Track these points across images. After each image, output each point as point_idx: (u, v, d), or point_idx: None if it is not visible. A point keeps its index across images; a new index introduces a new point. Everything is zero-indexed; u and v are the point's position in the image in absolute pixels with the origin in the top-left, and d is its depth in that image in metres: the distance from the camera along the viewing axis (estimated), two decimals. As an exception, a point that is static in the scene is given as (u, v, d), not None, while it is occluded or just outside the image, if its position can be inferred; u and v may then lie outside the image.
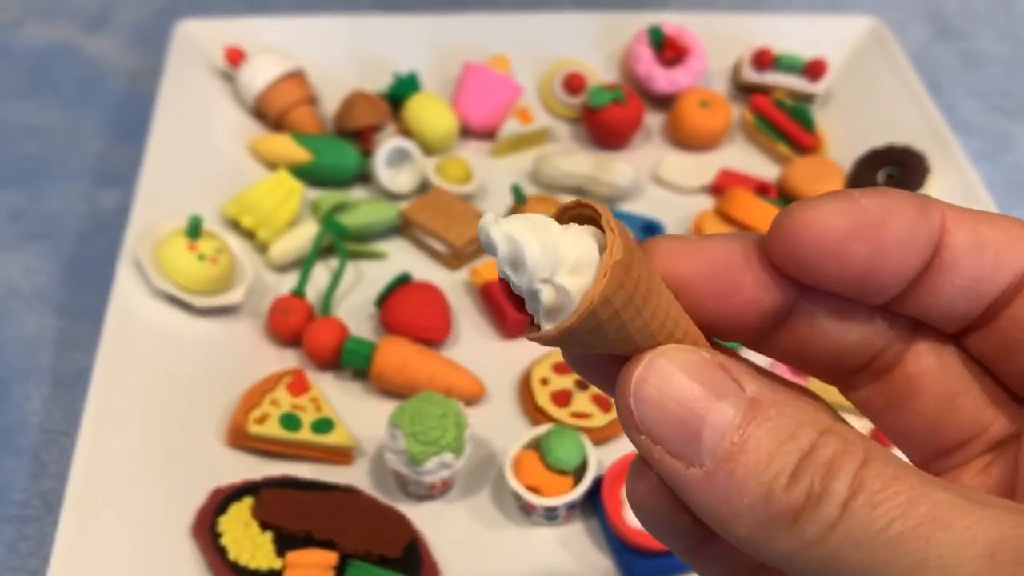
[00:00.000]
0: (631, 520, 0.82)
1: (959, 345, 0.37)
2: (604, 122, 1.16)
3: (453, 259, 1.05)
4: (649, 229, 1.09)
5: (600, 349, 0.33)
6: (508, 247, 0.32)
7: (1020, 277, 0.34)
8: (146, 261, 0.91)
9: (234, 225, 1.03)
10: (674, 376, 0.32)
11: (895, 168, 1.11)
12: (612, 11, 1.28)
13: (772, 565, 0.31)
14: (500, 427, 0.91)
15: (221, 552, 0.77)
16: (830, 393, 0.41)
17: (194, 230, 0.92)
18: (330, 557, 0.77)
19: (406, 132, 1.15)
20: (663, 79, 1.20)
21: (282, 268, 1.03)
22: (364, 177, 1.13)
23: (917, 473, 0.30)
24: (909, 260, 0.34)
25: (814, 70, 1.22)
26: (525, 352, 0.98)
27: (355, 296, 1.02)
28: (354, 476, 0.87)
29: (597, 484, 0.84)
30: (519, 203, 1.02)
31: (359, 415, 0.91)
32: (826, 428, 0.31)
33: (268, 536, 0.78)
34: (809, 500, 0.30)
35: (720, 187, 1.14)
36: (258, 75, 1.13)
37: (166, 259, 0.92)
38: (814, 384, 0.90)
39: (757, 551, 0.31)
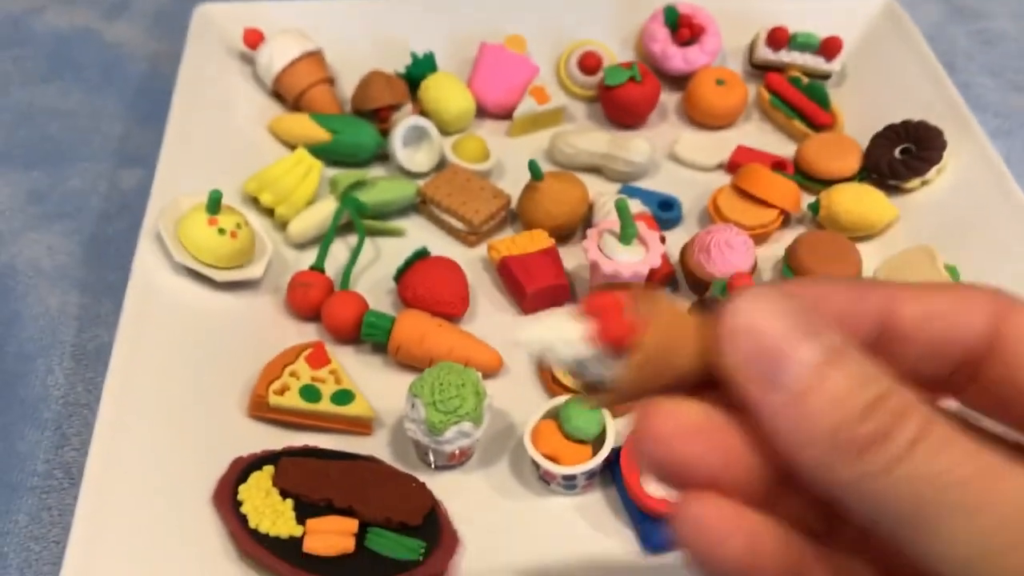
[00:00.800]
0: (650, 489, 0.82)
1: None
2: (620, 101, 1.16)
3: (470, 236, 1.05)
4: (666, 205, 1.09)
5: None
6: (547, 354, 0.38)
7: (978, 339, 0.37)
8: (167, 235, 0.92)
9: (254, 202, 1.04)
10: (766, 312, 0.35)
11: (912, 143, 1.11)
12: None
13: (830, 494, 0.34)
14: (519, 399, 0.92)
15: (242, 520, 0.78)
16: None
17: (214, 205, 0.93)
18: (350, 524, 0.78)
19: (423, 112, 1.16)
20: (678, 58, 1.20)
21: (301, 245, 1.04)
22: (382, 156, 1.14)
23: (972, 437, 0.32)
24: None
25: (829, 48, 1.22)
26: (543, 326, 0.98)
27: (373, 272, 1.03)
28: (374, 447, 0.88)
29: (616, 453, 0.84)
30: (536, 178, 1.03)
31: (378, 387, 0.91)
32: (897, 385, 0.34)
33: (288, 504, 0.79)
34: (877, 436, 0.32)
35: (737, 164, 1.14)
36: (276, 56, 1.13)
37: (186, 233, 0.93)
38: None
39: (821, 477, 0.33)
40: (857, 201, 1.06)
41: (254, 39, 1.16)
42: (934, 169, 1.09)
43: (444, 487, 0.85)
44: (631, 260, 0.95)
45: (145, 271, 0.92)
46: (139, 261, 0.93)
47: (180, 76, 1.11)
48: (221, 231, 0.93)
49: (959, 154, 1.11)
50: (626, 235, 0.95)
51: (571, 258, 1.04)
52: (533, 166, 1.03)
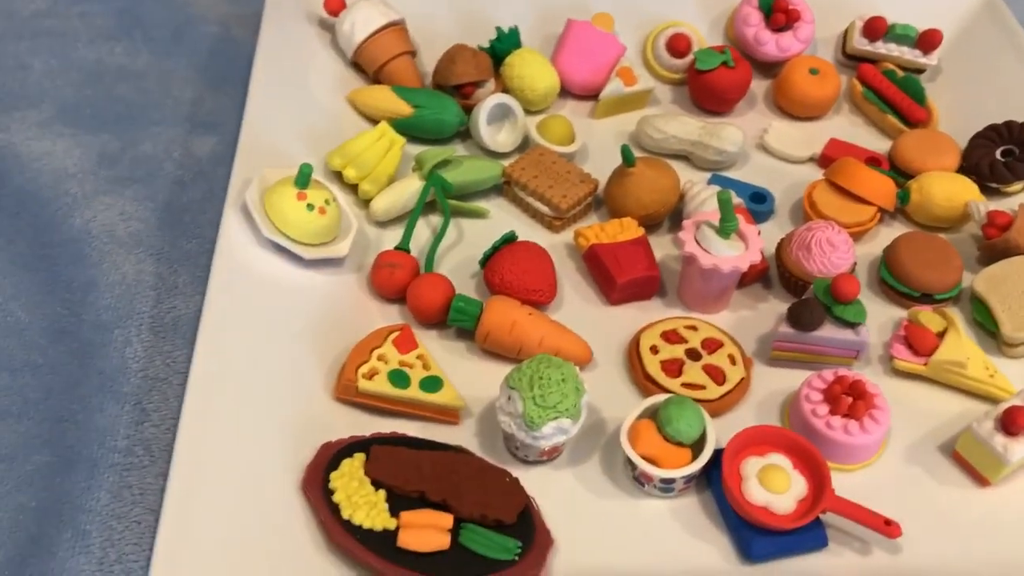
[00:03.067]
0: (753, 495, 0.79)
1: None
2: (711, 86, 1.12)
3: (556, 221, 1.02)
4: (758, 197, 1.05)
5: None
6: None
7: None
8: (255, 210, 0.89)
9: (336, 177, 1.01)
10: None
11: (1015, 145, 1.07)
12: (719, -28, 1.24)
13: None
14: (608, 394, 0.89)
15: (334, 509, 0.75)
16: None
17: (304, 179, 0.90)
18: (446, 519, 0.75)
19: (506, 89, 1.12)
20: (772, 44, 1.16)
21: (383, 223, 1.00)
22: (461, 133, 1.10)
23: None
24: None
25: (927, 41, 1.17)
26: (631, 319, 0.95)
27: (455, 254, 1.00)
28: (461, 436, 0.85)
29: (715, 457, 0.81)
30: (628, 164, 0.99)
31: (464, 374, 0.88)
32: None
33: (381, 495, 0.76)
34: None
35: (829, 158, 1.10)
36: (359, 25, 1.10)
37: (275, 208, 0.89)
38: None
39: None
40: (952, 191, 1.02)
41: (335, 5, 1.12)
42: (1038, 173, 1.05)
43: (534, 483, 0.82)
44: (730, 255, 0.91)
45: (231, 246, 0.89)
46: (224, 235, 0.90)
47: (260, 43, 1.08)
48: (310, 207, 0.90)
49: (1063, 158, 1.07)
50: (726, 229, 0.91)
51: (657, 248, 1.00)
52: (626, 151, 0.99)
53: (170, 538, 0.71)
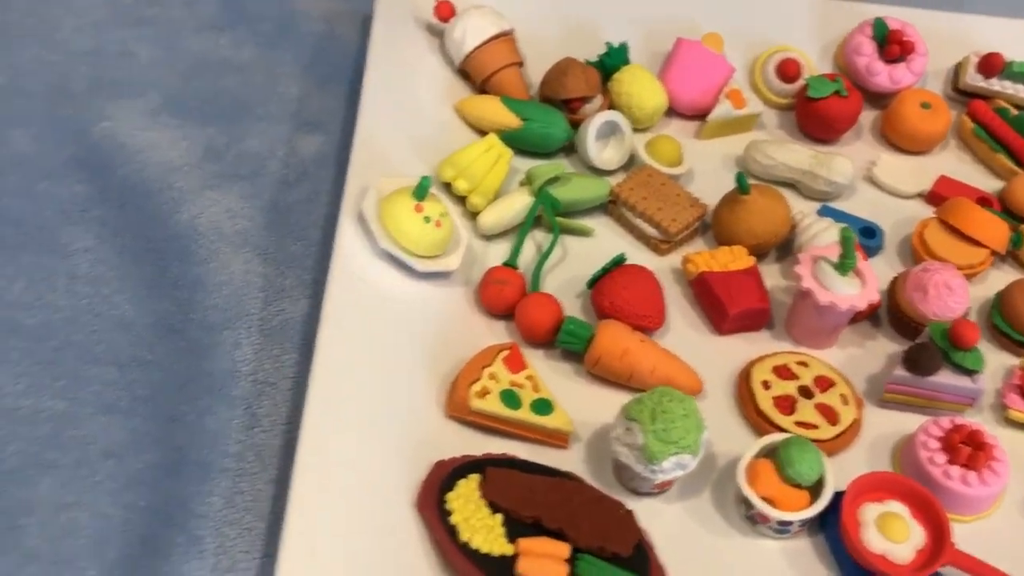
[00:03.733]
0: (872, 543, 0.78)
1: None
2: (821, 114, 1.10)
3: (663, 244, 1.00)
4: (868, 232, 1.03)
5: None
6: None
7: None
8: (372, 220, 0.89)
9: (445, 188, 1.00)
10: None
11: None
12: (833, -2, 1.23)
13: None
14: (717, 426, 0.87)
15: (451, 531, 0.75)
16: None
17: (423, 192, 0.89)
18: (563, 548, 0.74)
19: (613, 106, 1.10)
20: (884, 75, 1.14)
21: (489, 236, 0.99)
22: (565, 148, 1.09)
23: None
24: None
25: (1043, 80, 1.15)
26: (738, 350, 0.94)
27: (560, 272, 0.98)
28: (569, 462, 0.84)
29: (834, 501, 0.80)
30: (743, 191, 0.98)
31: (571, 398, 0.87)
32: None
33: (498, 519, 0.76)
34: None
35: (940, 196, 1.08)
36: (470, 33, 1.08)
37: (392, 219, 0.89)
38: None
39: None
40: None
41: (446, 12, 1.11)
42: None
43: (644, 515, 0.81)
44: (848, 292, 0.90)
45: (346, 255, 0.89)
46: (340, 243, 0.89)
47: (371, 48, 1.07)
48: (427, 219, 0.89)
49: None
50: (845, 265, 0.90)
51: (767, 278, 0.99)
52: (741, 179, 0.98)
53: (292, 552, 0.70)
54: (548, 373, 0.90)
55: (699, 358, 0.92)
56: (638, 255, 1.01)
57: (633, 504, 0.81)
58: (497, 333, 0.92)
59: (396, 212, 0.89)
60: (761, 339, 0.96)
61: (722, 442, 0.86)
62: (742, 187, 0.98)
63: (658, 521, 0.81)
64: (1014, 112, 1.14)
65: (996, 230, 1.01)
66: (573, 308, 0.95)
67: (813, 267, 0.91)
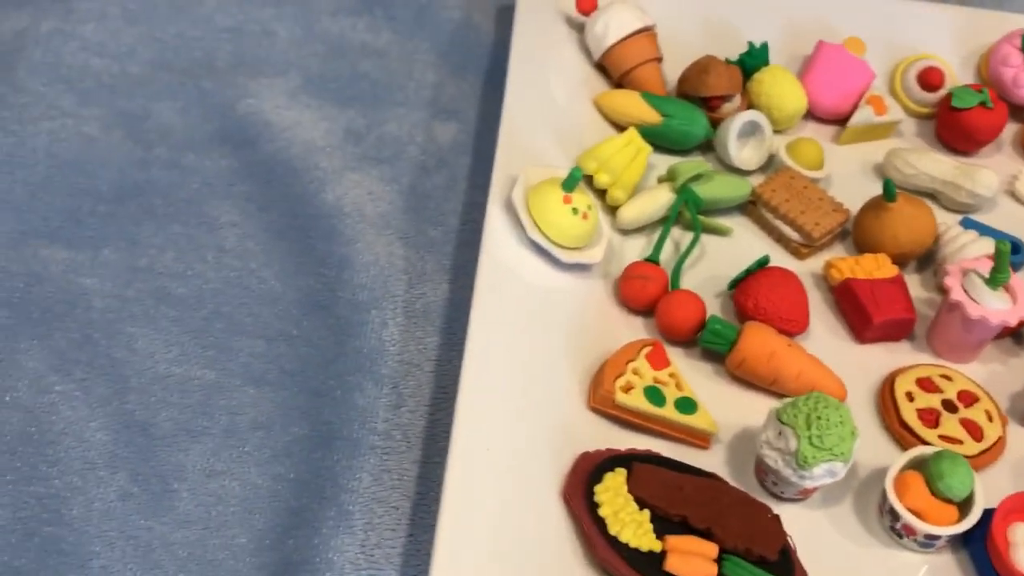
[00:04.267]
0: (1020, 563, 0.76)
1: None
2: (965, 125, 1.08)
3: (803, 248, 0.99)
4: (1013, 248, 1.01)
5: None
6: None
7: None
8: (521, 209, 0.89)
9: (586, 180, 1.00)
10: None
11: None
12: (979, 7, 1.20)
13: None
14: (860, 437, 0.86)
15: (600, 524, 0.75)
16: None
17: (573, 183, 0.89)
18: (712, 548, 0.74)
19: (752, 105, 1.09)
20: (1031, 87, 1.12)
21: (627, 231, 0.99)
22: (702, 146, 1.08)
23: None
24: None
25: None
26: (880, 359, 0.93)
27: (698, 271, 0.98)
28: (711, 462, 0.84)
29: (984, 518, 0.79)
30: (890, 199, 0.96)
31: (712, 398, 0.87)
32: None
33: (646, 515, 0.76)
34: None
35: (1086, 213, 1.05)
36: (612, 27, 1.08)
37: (540, 210, 0.89)
38: None
39: None
40: None
41: (588, 5, 1.11)
42: None
43: (786, 520, 0.80)
44: (998, 307, 0.88)
45: (495, 243, 0.90)
46: (488, 232, 0.90)
47: (515, 38, 1.08)
48: (574, 211, 0.89)
49: None
50: (997, 280, 0.88)
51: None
52: (888, 185, 0.96)
53: (448, 536, 0.71)
54: (689, 372, 0.90)
55: (839, 365, 0.91)
56: (777, 258, 1.00)
57: (776, 508, 0.81)
58: (635, 328, 0.92)
59: (545, 202, 0.89)
60: (902, 350, 0.95)
61: (863, 451, 0.85)
62: (889, 194, 0.97)
63: (799, 527, 0.80)
64: None
65: None
66: (712, 308, 0.95)
67: (963, 279, 0.90)
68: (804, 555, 0.79)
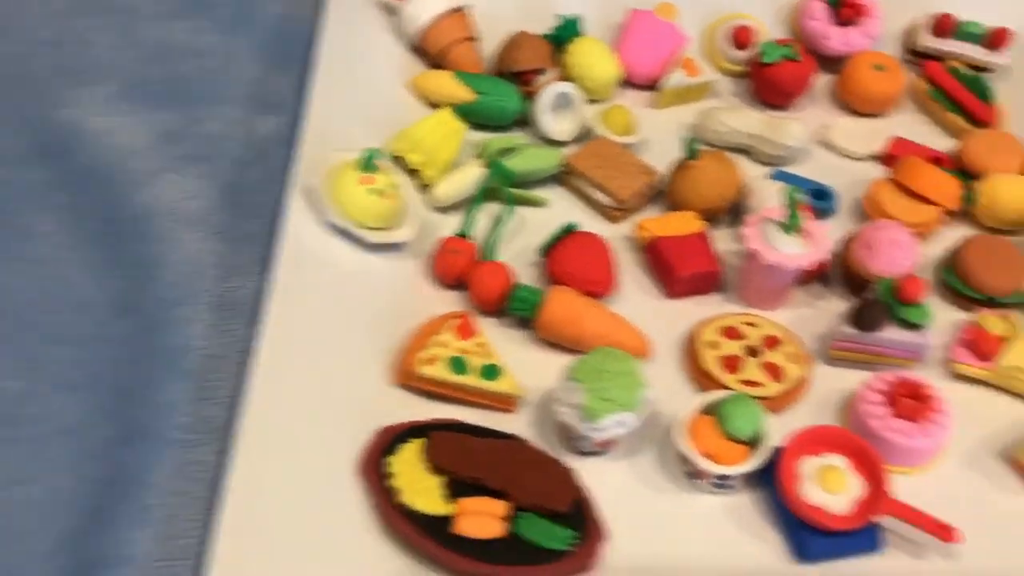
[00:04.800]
0: (808, 496, 0.79)
1: None
2: (775, 79, 1.11)
3: (615, 212, 1.01)
4: (820, 194, 1.04)
5: None
6: None
7: None
8: (321, 193, 0.90)
9: (397, 162, 1.01)
10: None
11: (1086, 148, 1.05)
12: (786, -36, 1.22)
13: None
14: (664, 388, 0.88)
15: (389, 493, 0.76)
16: None
17: (368, 163, 0.90)
18: (501, 507, 0.76)
19: (566, 77, 1.11)
20: (837, 38, 1.15)
21: (443, 208, 1.00)
22: (521, 121, 1.10)
23: None
24: None
25: (996, 39, 1.15)
26: (689, 313, 0.95)
27: (514, 242, 0.99)
28: (516, 425, 0.85)
29: (773, 456, 0.81)
30: (692, 157, 0.99)
31: (522, 363, 0.89)
32: None
33: (438, 480, 0.77)
34: None
35: (893, 157, 1.08)
36: (424, 9, 1.10)
37: (340, 192, 0.90)
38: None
39: None
40: (1017, 191, 1.01)
41: (401, -11, 1.12)
42: (1109, 178, 1.03)
43: (588, 474, 0.82)
44: (794, 252, 0.90)
45: (296, 228, 0.91)
46: (290, 218, 0.91)
47: (325, 25, 1.09)
48: (376, 191, 0.90)
49: None
50: (791, 226, 0.90)
51: (717, 243, 0.99)
52: (690, 144, 0.99)
53: (233, 517, 0.73)
54: (501, 340, 0.91)
55: (651, 322, 0.94)
56: (593, 224, 1.02)
57: (578, 464, 0.83)
58: (451, 303, 0.93)
59: (343, 185, 0.90)
60: (713, 303, 0.97)
61: (669, 403, 0.87)
62: (690, 153, 0.99)
63: (602, 479, 0.82)
64: (968, 72, 1.14)
65: (947, 188, 1.01)
66: (527, 276, 0.96)
67: (760, 228, 0.92)
68: (605, 505, 0.81)
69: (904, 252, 0.93)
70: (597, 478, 0.82)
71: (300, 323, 0.85)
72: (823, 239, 0.91)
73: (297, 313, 0.86)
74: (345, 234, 0.92)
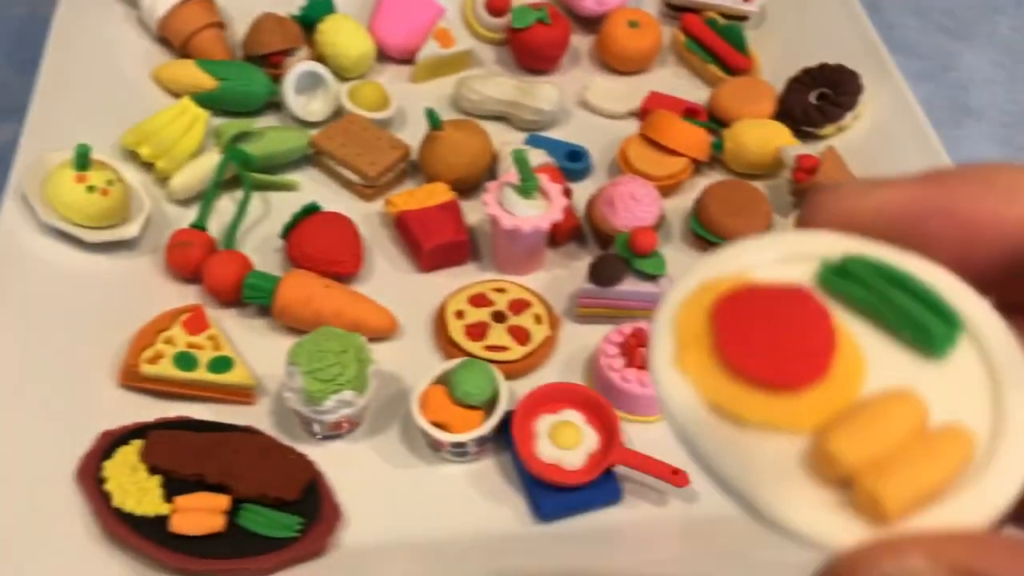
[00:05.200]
0: (543, 454, 0.79)
1: None
2: (529, 44, 1.11)
3: (367, 189, 1.00)
4: (574, 155, 1.04)
5: None
6: None
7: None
8: (32, 194, 0.86)
9: (133, 157, 0.98)
10: None
11: (827, 87, 1.07)
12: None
13: None
14: (413, 362, 0.87)
15: (105, 498, 0.73)
16: None
17: (82, 160, 0.87)
18: (221, 500, 0.74)
19: (319, 57, 1.09)
20: (591, -2, 1.15)
21: (185, 201, 0.97)
22: (275, 105, 1.07)
23: None
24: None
25: (748, -12, 1.17)
26: (442, 285, 0.94)
27: (263, 229, 0.97)
28: (256, 416, 0.83)
29: (508, 418, 0.80)
30: (435, 128, 0.97)
31: (263, 353, 0.86)
32: None
33: (156, 480, 0.74)
34: None
35: (648, 111, 1.09)
36: (160, -2, 1.06)
37: (53, 192, 0.86)
38: None
39: None
40: (764, 138, 1.02)
41: (136, -21, 1.08)
42: (850, 115, 1.05)
43: (330, 458, 0.80)
44: (532, 215, 0.90)
45: (10, 232, 0.86)
46: (3, 221, 0.86)
47: (55, 21, 1.04)
48: (91, 188, 0.87)
49: (877, 98, 1.07)
50: (526, 188, 0.90)
51: (477, 212, 0.99)
52: (431, 115, 0.98)
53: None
54: (242, 331, 0.89)
55: (403, 297, 0.92)
56: (347, 203, 1.00)
57: (320, 448, 0.81)
58: (190, 298, 0.90)
59: (58, 184, 0.87)
60: (468, 273, 0.96)
61: (417, 377, 0.85)
62: (433, 123, 0.98)
63: (344, 462, 0.81)
64: (723, 22, 1.16)
65: (693, 138, 1.02)
66: (273, 263, 0.94)
67: (499, 193, 0.91)
68: (347, 488, 0.79)
69: (643, 206, 0.93)
70: (340, 461, 0.81)
71: (19, 331, 0.82)
72: (559, 199, 0.91)
73: (14, 321, 0.82)
74: (65, 236, 0.88)
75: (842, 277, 0.28)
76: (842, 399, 0.26)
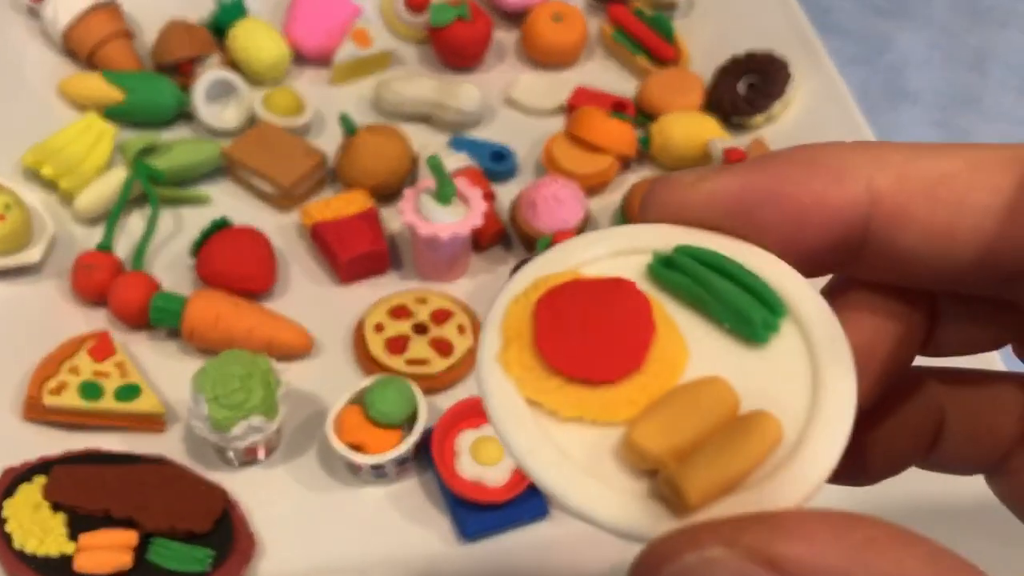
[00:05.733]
0: (464, 471, 0.76)
1: None
2: (450, 42, 1.07)
3: (283, 199, 0.96)
4: (498, 156, 1.01)
5: None
6: None
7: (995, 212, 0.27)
8: (-78, 223, 0.82)
9: (35, 177, 0.94)
10: None
11: (756, 76, 1.04)
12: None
13: None
14: (331, 381, 0.84)
15: (6, 539, 0.70)
16: None
17: (-33, 185, 0.83)
18: (128, 536, 0.71)
19: (232, 63, 1.05)
20: (512, -8, 1.12)
21: (93, 221, 0.94)
22: (187, 115, 1.03)
23: None
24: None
25: (675, -25, 1.14)
26: (361, 298, 0.91)
27: (174, 247, 0.94)
28: (169, 444, 0.80)
29: (427, 436, 0.78)
30: (349, 133, 0.94)
31: (175, 377, 0.83)
32: None
33: (60, 518, 0.71)
34: None
35: (576, 107, 1.06)
36: (62, 8, 1.02)
37: (-56, 219, 0.82)
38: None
39: None
40: (692, 130, 1.00)
41: (35, -10, 1.04)
42: (779, 103, 1.03)
43: (245, 486, 0.78)
44: (450, 221, 0.87)
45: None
46: None
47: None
48: (-16, 214, 0.83)
49: (807, 84, 1.05)
50: (443, 194, 0.87)
51: (398, 219, 0.96)
52: (344, 120, 0.94)
53: None
54: (152, 355, 0.85)
55: (321, 312, 0.89)
56: (262, 215, 0.96)
57: (234, 476, 0.78)
58: (97, 323, 0.87)
59: (-51, 212, 0.83)
60: (390, 283, 0.93)
61: (335, 396, 0.82)
62: (346, 128, 0.95)
63: (260, 489, 0.78)
64: (650, 12, 1.13)
65: (619, 134, 0.99)
66: (185, 282, 0.90)
67: (416, 200, 0.88)
68: (264, 517, 0.76)
69: (567, 207, 0.91)
70: (255, 489, 0.78)
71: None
72: (478, 204, 0.88)
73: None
74: (-38, 264, 0.84)
75: (670, 268, 0.28)
76: (659, 390, 0.26)
